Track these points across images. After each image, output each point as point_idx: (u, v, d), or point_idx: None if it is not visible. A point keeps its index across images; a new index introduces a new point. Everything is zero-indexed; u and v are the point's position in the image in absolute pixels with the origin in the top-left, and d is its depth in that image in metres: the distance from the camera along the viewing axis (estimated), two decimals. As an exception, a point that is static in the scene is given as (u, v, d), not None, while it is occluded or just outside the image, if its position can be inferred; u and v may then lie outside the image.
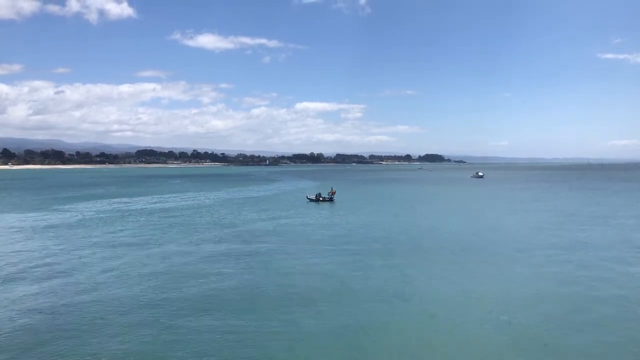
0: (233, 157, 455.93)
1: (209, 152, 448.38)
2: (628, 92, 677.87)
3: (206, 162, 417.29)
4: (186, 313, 19.94)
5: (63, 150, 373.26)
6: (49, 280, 24.98)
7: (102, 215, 53.52)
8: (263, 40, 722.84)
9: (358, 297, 22.05)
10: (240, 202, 69.93)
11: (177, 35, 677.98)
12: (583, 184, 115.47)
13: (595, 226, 43.48)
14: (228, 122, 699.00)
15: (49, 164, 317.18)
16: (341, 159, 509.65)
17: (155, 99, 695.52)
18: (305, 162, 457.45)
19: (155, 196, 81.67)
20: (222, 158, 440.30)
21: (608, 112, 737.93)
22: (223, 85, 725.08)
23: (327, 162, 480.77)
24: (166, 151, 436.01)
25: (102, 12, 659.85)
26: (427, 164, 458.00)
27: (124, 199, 74.94)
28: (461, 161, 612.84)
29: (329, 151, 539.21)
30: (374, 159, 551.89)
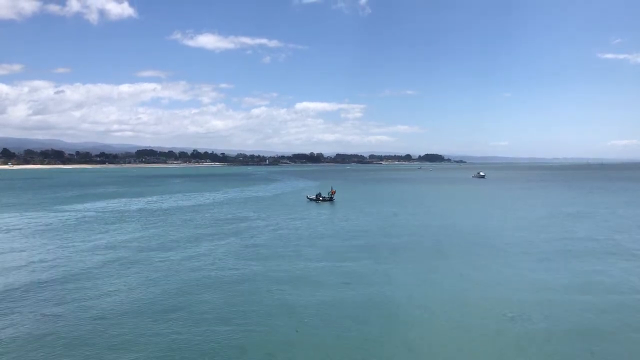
0: (233, 157, 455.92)
1: (209, 152, 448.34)
2: (628, 92, 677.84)
3: (206, 162, 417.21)
4: (186, 313, 19.95)
5: (63, 150, 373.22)
6: (48, 280, 24.98)
7: (102, 215, 53.51)
8: (263, 40, 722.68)
9: (358, 296, 22.06)
10: (240, 202, 69.93)
11: (177, 35, 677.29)
12: (583, 184, 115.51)
13: (597, 224, 43.50)
14: (228, 122, 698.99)
15: (48, 163, 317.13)
16: (341, 159, 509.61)
17: (155, 99, 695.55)
18: (305, 162, 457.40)
19: (156, 196, 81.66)
20: (222, 158, 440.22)
21: (608, 112, 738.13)
22: (223, 85, 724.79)
23: (327, 162, 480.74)
24: (166, 151, 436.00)
25: (102, 12, 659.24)
26: (426, 164, 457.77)
27: (124, 199, 74.92)
28: (461, 161, 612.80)
29: (328, 151, 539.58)
30: (374, 159, 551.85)
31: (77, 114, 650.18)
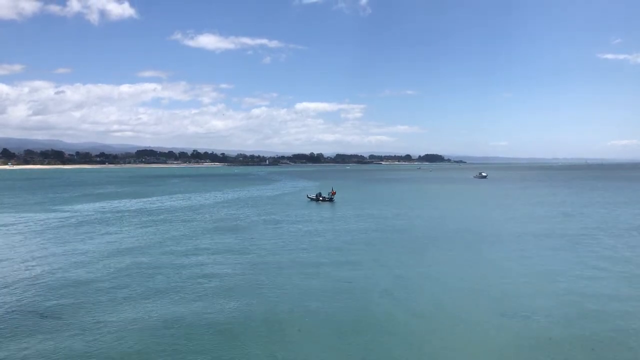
0: (233, 157, 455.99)
1: (209, 152, 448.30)
2: (628, 92, 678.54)
3: (206, 162, 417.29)
4: (186, 312, 19.88)
5: (63, 151, 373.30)
6: (49, 280, 24.88)
7: (102, 215, 53.47)
8: (264, 41, 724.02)
9: (359, 295, 22.01)
10: (240, 202, 69.90)
11: (177, 36, 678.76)
12: (583, 183, 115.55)
13: (599, 223, 43.49)
14: (228, 122, 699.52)
15: (49, 164, 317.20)
16: (341, 159, 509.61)
17: (155, 99, 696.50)
18: (305, 162, 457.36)
19: (156, 196, 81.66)
20: (222, 158, 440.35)
21: (608, 112, 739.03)
22: (223, 86, 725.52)
23: (327, 162, 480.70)
24: (166, 151, 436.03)
25: (103, 13, 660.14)
26: (425, 164, 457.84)
27: (125, 199, 74.87)
28: (461, 161, 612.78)
29: (328, 151, 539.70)
30: (374, 159, 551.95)
31: (77, 114, 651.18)
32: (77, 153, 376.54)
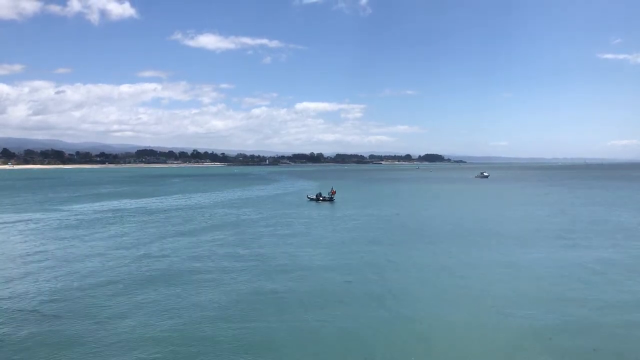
0: (233, 157, 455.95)
1: (209, 152, 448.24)
2: (628, 92, 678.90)
3: (206, 162, 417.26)
4: (187, 312, 19.85)
5: (63, 150, 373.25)
6: (49, 281, 24.85)
7: (102, 215, 53.43)
8: (264, 41, 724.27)
9: (359, 295, 21.97)
10: (241, 202, 69.88)
11: (178, 36, 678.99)
12: (582, 182, 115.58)
13: (602, 221, 43.48)
14: (228, 122, 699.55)
15: (48, 164, 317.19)
16: (341, 159, 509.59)
17: (155, 99, 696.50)
18: (305, 162, 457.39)
19: (156, 196, 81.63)
20: (222, 158, 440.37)
21: (608, 112, 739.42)
22: (224, 86, 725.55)
23: (327, 162, 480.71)
24: (166, 151, 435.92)
25: (103, 13, 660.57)
26: (424, 164, 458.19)
27: (125, 199, 74.83)
28: (461, 161, 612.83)
29: (328, 151, 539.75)
30: (374, 159, 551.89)
31: (77, 114, 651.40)
32: (77, 153, 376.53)
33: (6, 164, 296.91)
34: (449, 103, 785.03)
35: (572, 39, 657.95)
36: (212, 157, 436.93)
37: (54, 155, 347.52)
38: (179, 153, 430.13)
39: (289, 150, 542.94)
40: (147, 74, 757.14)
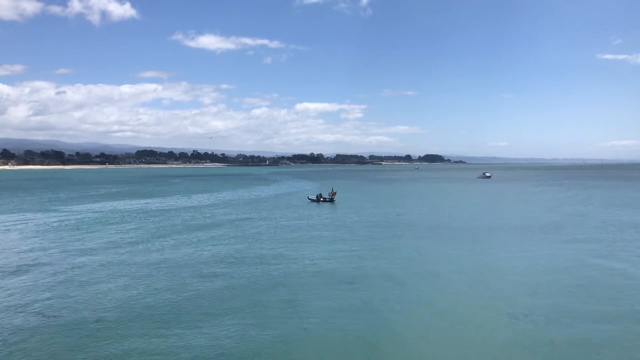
0: (233, 158, 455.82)
1: (209, 152, 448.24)
2: (628, 92, 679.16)
3: (206, 162, 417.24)
4: (189, 313, 19.80)
5: (63, 151, 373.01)
6: (49, 281, 24.81)
7: (103, 215, 53.35)
8: (264, 41, 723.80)
9: (360, 296, 21.94)
10: (241, 203, 69.84)
11: (178, 36, 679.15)
12: (582, 182, 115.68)
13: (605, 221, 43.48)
14: (228, 123, 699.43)
15: (48, 164, 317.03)
16: (341, 159, 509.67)
17: (156, 100, 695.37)
18: (305, 163, 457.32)
19: (156, 197, 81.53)
20: (222, 158, 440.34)
21: (608, 113, 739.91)
22: (224, 86, 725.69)
23: (327, 163, 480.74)
24: (166, 152, 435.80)
25: (104, 13, 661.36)
26: (424, 164, 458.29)
27: (125, 200, 74.75)
28: (461, 161, 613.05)
29: (329, 151, 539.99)
30: (374, 159, 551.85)
31: (77, 114, 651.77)
32: (77, 153, 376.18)
33: (6, 164, 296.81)
34: (449, 103, 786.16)
35: (572, 39, 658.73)
36: (212, 157, 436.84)
37: (54, 155, 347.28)
38: (179, 153, 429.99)
39: (289, 151, 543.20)
40: (148, 74, 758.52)
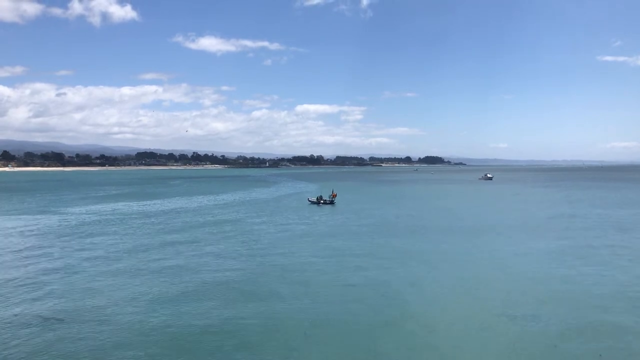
0: (233, 159, 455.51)
1: (209, 154, 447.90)
2: (628, 94, 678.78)
3: (206, 164, 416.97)
4: (190, 317, 19.77)
5: (63, 153, 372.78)
6: (49, 283, 24.80)
7: (103, 217, 53.30)
8: (265, 43, 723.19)
9: (361, 297, 21.93)
10: (242, 204, 69.82)
11: (179, 38, 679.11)
12: (580, 183, 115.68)
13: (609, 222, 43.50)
14: (228, 125, 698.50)
15: (48, 166, 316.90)
16: (341, 161, 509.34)
17: (156, 101, 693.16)
18: (305, 165, 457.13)
19: (157, 198, 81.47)
20: (222, 160, 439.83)
21: (607, 114, 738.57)
22: (224, 88, 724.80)
23: (327, 164, 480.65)
24: (166, 153, 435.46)
25: (105, 15, 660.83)
26: (423, 166, 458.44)
27: (125, 202, 74.71)
28: (461, 163, 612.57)
29: (329, 153, 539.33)
30: (374, 161, 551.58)
31: (77, 116, 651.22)
32: (77, 155, 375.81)
33: (6, 166, 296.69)
34: (449, 105, 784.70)
35: (572, 41, 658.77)
36: (212, 159, 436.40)
37: (54, 157, 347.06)
38: (179, 155, 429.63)
39: (289, 153, 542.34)
40: (148, 76, 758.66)
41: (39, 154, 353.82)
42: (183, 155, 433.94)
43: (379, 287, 24.01)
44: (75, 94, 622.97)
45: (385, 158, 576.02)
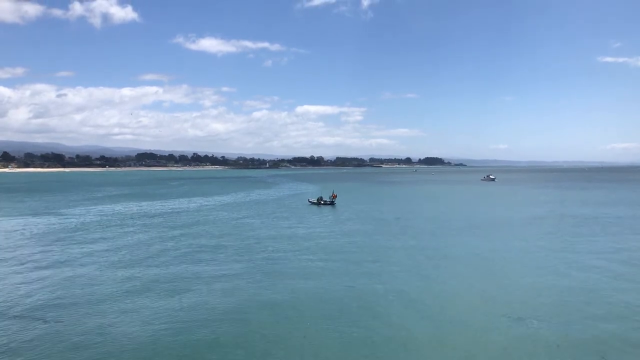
0: (233, 160, 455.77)
1: (209, 155, 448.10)
2: (628, 95, 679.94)
3: (206, 165, 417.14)
4: (191, 316, 19.71)
5: (63, 154, 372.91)
6: (50, 284, 24.75)
7: (103, 218, 53.28)
8: (265, 44, 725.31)
9: (361, 299, 21.86)
10: (242, 205, 69.77)
11: (179, 39, 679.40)
12: (579, 184, 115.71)
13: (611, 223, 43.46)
14: (228, 126, 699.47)
15: (49, 167, 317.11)
16: (341, 162, 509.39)
17: (156, 102, 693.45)
18: (305, 166, 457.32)
19: (157, 199, 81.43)
20: (222, 161, 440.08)
21: (608, 116, 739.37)
22: (225, 89, 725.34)
23: (327, 166, 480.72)
24: (166, 154, 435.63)
25: (105, 16, 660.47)
26: (423, 167, 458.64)
27: (125, 203, 74.68)
28: (461, 164, 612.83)
29: (329, 154, 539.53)
30: (374, 162, 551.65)
31: (78, 117, 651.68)
32: (77, 156, 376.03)
33: (6, 167, 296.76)
34: (449, 106, 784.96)
35: (572, 42, 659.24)
36: (212, 160, 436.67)
37: (54, 158, 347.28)
38: (179, 156, 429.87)
39: (289, 154, 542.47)
40: (149, 77, 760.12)
41: (39, 155, 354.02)
42: (183, 156, 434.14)
43: (379, 287, 23.94)
44: (76, 95, 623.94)
45: (385, 159, 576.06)
